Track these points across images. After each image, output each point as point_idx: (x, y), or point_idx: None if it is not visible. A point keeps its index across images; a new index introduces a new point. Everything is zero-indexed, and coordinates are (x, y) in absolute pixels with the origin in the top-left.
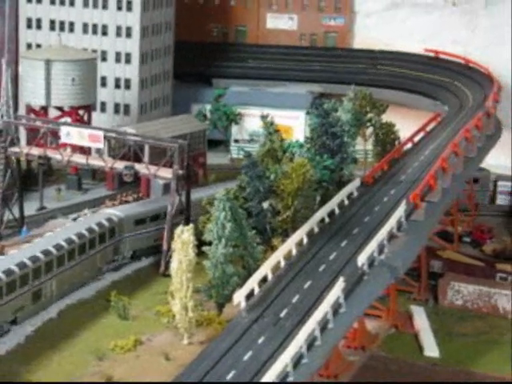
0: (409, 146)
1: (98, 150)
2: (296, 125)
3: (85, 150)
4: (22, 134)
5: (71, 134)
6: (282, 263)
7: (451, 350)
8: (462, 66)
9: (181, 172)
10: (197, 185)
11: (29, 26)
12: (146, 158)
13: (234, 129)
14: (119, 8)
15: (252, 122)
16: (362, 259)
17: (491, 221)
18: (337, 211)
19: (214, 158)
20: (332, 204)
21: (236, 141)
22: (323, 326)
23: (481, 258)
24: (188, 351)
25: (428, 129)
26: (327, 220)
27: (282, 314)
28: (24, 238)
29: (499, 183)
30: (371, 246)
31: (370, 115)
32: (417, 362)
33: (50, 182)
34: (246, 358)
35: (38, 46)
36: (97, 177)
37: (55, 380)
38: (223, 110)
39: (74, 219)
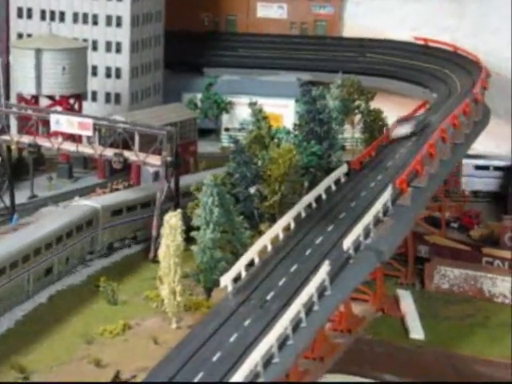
0: None
1: (89, 138)
2: (286, 113)
3: (76, 139)
4: (13, 123)
5: (61, 122)
6: (269, 247)
7: (437, 332)
8: (451, 53)
9: (169, 159)
10: (187, 173)
11: (19, 16)
12: (135, 146)
13: (225, 117)
14: None
15: (242, 110)
16: (347, 243)
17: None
18: (324, 196)
19: (204, 147)
20: (319, 189)
21: (227, 129)
22: (308, 308)
23: (467, 242)
24: (176, 335)
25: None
26: (314, 205)
27: (269, 297)
28: (14, 226)
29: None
30: (357, 230)
31: (357, 102)
32: (402, 344)
33: (41, 170)
34: (231, 339)
35: (29, 35)
36: (88, 165)
37: (45, 364)
38: (214, 98)
39: (65, 207)
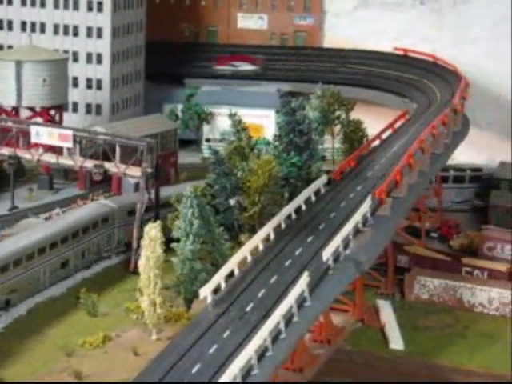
0: (377, 143)
1: (69, 150)
2: (267, 123)
3: (56, 151)
4: None
5: (41, 134)
6: (249, 258)
7: (416, 342)
8: (431, 63)
9: (150, 170)
10: (168, 183)
11: (0, 28)
12: (116, 157)
13: (206, 128)
14: (90, 9)
15: (223, 121)
16: (326, 254)
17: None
18: (304, 207)
19: (185, 158)
20: (299, 200)
21: (207, 140)
22: (288, 319)
23: (447, 252)
24: (156, 347)
25: (396, 126)
26: (294, 216)
27: (248, 308)
28: None
29: None
30: (336, 241)
31: (337, 113)
32: (382, 354)
33: (22, 182)
34: (211, 351)
35: (10, 47)
36: (69, 177)
37: (25, 376)
38: (195, 109)
39: (46, 219)
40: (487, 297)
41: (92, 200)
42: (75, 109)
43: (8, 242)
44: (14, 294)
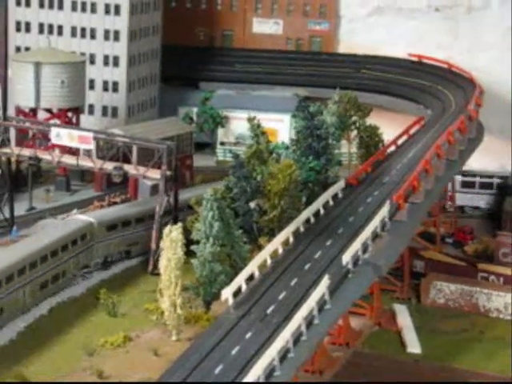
0: (392, 148)
1: (87, 152)
2: (281, 128)
3: (73, 152)
4: (12, 136)
5: (61, 136)
6: (269, 261)
7: (433, 346)
8: (445, 70)
9: (169, 173)
10: (184, 186)
11: (18, 30)
12: (134, 159)
13: (220, 132)
14: (107, 12)
15: (238, 124)
16: (346, 258)
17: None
18: (322, 211)
19: (200, 161)
20: (317, 204)
21: (222, 143)
22: (309, 321)
23: (462, 257)
24: (176, 347)
25: (411, 132)
26: (313, 220)
27: (269, 311)
28: (13, 238)
29: None
30: (355, 245)
31: (354, 118)
32: (399, 358)
33: (39, 183)
34: (233, 352)
35: (27, 49)
36: (85, 178)
37: (47, 375)
38: (210, 112)
39: (63, 219)
40: (503, 302)
41: (109, 202)
42: (91, 111)
43: None
44: None
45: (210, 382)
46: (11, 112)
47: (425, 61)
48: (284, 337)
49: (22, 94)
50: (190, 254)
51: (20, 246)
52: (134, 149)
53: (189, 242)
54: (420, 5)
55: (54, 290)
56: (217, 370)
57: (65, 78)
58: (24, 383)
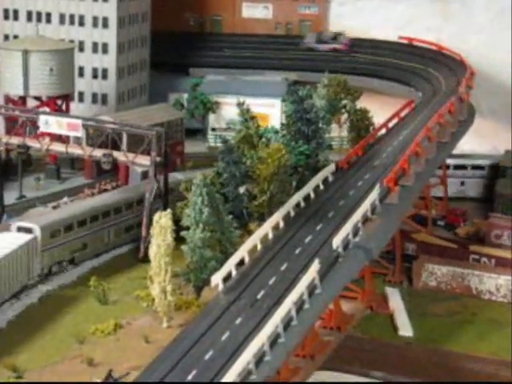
0: (383, 131)
1: (77, 139)
2: (272, 112)
3: (63, 140)
4: (1, 124)
5: (50, 123)
6: (259, 246)
7: (425, 329)
8: (436, 52)
9: (158, 159)
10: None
11: (6, 17)
12: (124, 146)
13: (211, 117)
14: None
15: (229, 110)
16: (336, 242)
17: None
18: (312, 195)
19: (191, 147)
20: (307, 188)
21: (213, 129)
22: (299, 306)
23: (454, 240)
24: (167, 334)
25: (402, 115)
26: (303, 204)
27: (259, 296)
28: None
29: None
30: (346, 229)
31: (344, 101)
32: (391, 341)
33: (29, 171)
34: (223, 338)
35: (16, 37)
36: (76, 166)
37: (38, 364)
38: (200, 98)
39: (54, 207)
40: (495, 284)
41: (99, 189)
42: (81, 98)
43: None
44: None
45: (200, 369)
46: (0, 100)
47: (415, 43)
48: (274, 322)
49: (10, 82)
50: (180, 240)
51: (109, 194)
52: (124, 135)
53: (179, 227)
54: None
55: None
56: (207, 356)
57: (53, 66)
58: (20, 383)
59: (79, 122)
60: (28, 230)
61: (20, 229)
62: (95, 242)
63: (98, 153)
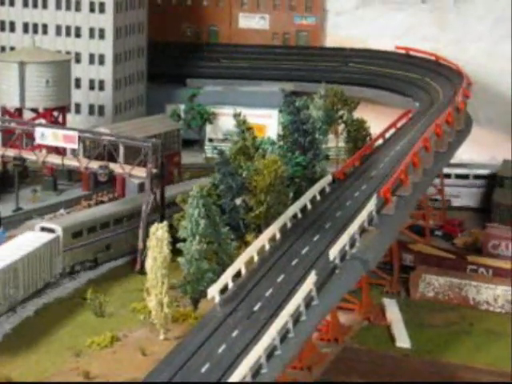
0: (380, 142)
1: (73, 151)
2: (269, 123)
3: (60, 151)
4: None
5: (46, 135)
6: (256, 258)
7: (422, 340)
8: (433, 62)
9: (155, 171)
10: (171, 184)
11: (2, 29)
12: (120, 158)
13: (208, 128)
14: (92, 10)
15: (226, 121)
16: (333, 253)
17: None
18: (309, 206)
19: (188, 158)
20: (304, 199)
21: (210, 140)
22: (296, 318)
23: (452, 250)
24: (164, 346)
25: (399, 125)
26: (300, 215)
27: (256, 308)
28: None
29: None
30: (343, 240)
31: (341, 112)
32: (389, 352)
33: (26, 183)
34: (220, 350)
35: (12, 48)
36: (73, 178)
37: (34, 376)
38: (197, 109)
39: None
40: (492, 294)
41: (96, 201)
42: (78, 110)
43: None
44: None
45: (196, 382)
46: None
47: (412, 53)
48: (270, 334)
49: (6, 94)
50: (177, 251)
51: (137, 198)
52: (120, 147)
53: (175, 239)
54: None
55: None
56: (203, 369)
57: (50, 78)
58: (13, 383)
59: (75, 134)
60: (51, 230)
61: (43, 229)
62: (118, 243)
63: (95, 165)
